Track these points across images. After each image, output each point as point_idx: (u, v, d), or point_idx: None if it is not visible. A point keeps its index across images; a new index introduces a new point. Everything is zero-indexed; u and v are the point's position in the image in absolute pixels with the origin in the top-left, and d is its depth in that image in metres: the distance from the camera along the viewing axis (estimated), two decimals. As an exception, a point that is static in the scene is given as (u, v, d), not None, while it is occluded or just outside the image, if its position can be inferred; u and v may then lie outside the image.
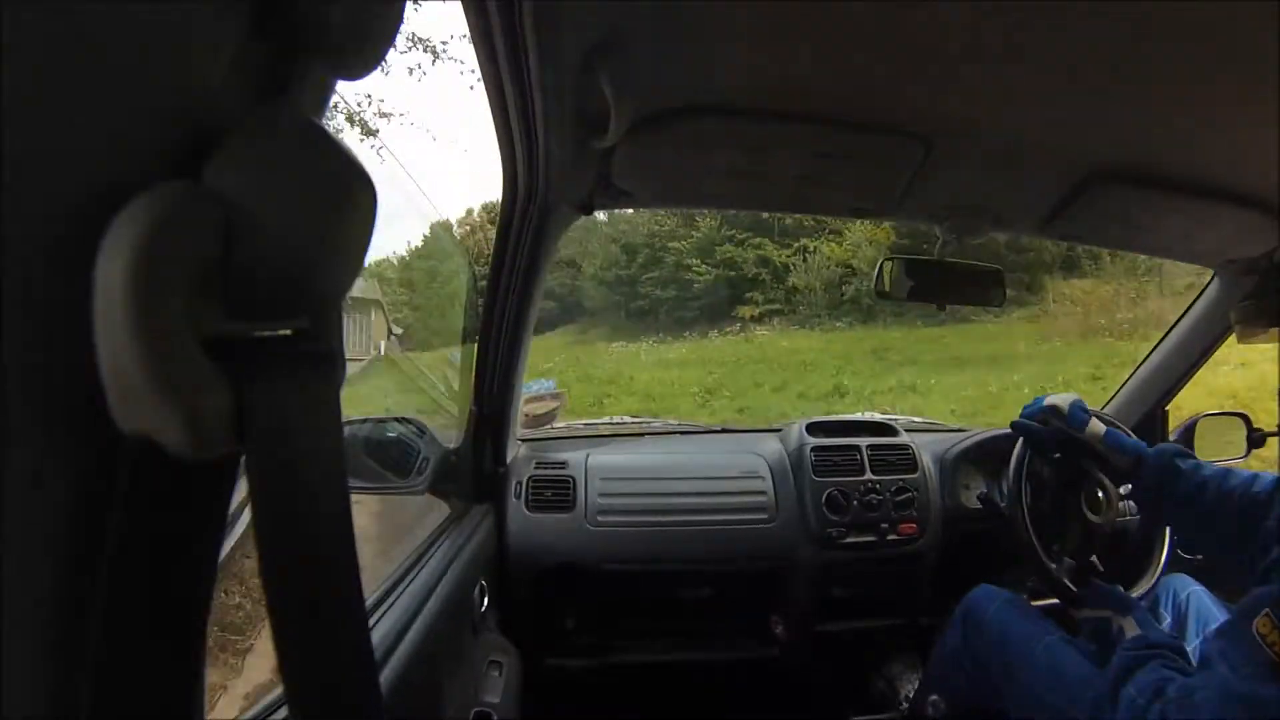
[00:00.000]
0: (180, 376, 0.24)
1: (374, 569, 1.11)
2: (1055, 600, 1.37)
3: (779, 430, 1.78)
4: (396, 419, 1.49)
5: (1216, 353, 1.68)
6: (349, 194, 0.29)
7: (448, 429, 1.54)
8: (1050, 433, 1.33)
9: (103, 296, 0.23)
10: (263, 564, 0.27)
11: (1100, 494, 1.37)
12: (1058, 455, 1.40)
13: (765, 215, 11.95)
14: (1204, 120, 0.91)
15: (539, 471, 1.55)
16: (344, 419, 0.31)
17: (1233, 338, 1.56)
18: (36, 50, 0.22)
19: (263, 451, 0.27)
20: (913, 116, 0.94)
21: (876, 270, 1.38)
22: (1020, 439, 1.40)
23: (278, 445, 0.27)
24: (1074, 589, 1.31)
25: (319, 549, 0.29)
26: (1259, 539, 0.99)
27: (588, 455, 1.61)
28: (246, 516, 0.29)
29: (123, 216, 0.23)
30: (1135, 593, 1.34)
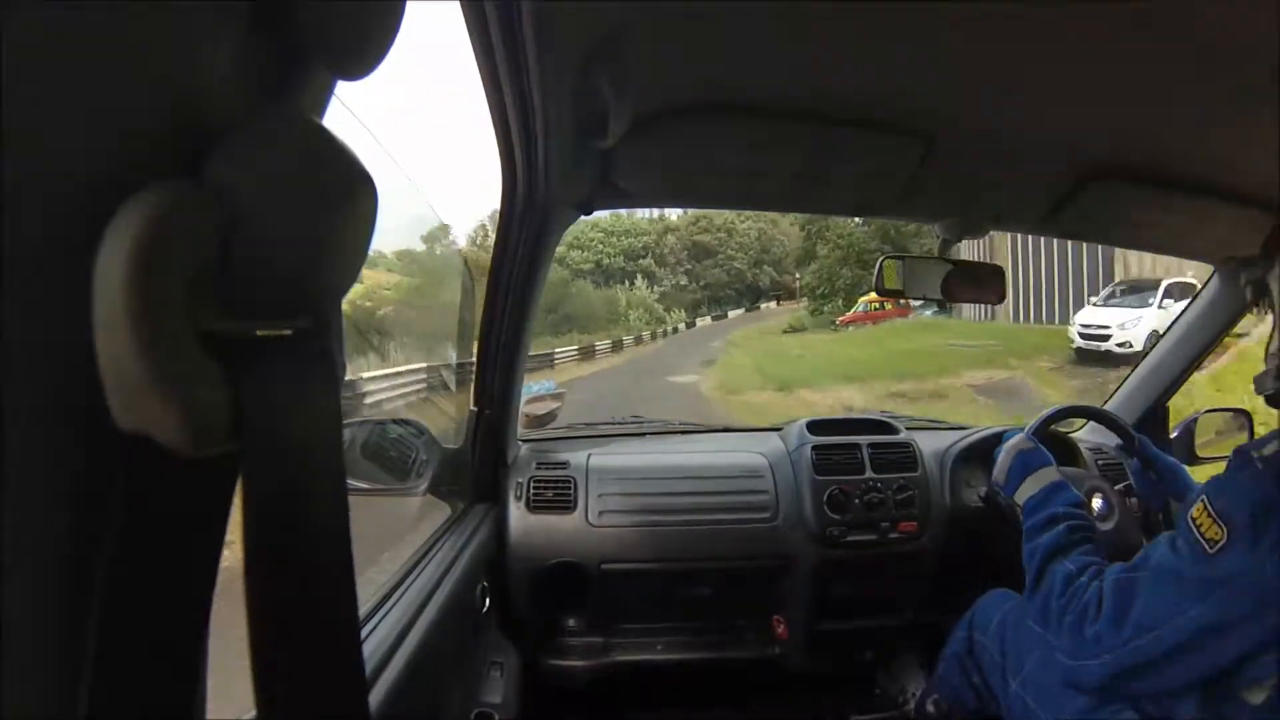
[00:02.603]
0: (178, 373, 0.24)
1: (376, 568, 1.11)
2: None
3: (780, 429, 1.78)
4: (396, 420, 1.49)
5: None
6: (349, 193, 0.29)
7: (447, 429, 1.54)
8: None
9: (101, 294, 0.23)
10: (248, 564, 0.27)
11: (1101, 502, 1.37)
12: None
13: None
14: (1203, 118, 0.91)
15: (540, 472, 1.55)
16: (344, 420, 0.30)
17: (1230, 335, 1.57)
18: (37, 49, 0.22)
19: (258, 449, 0.27)
20: (912, 115, 0.94)
21: (877, 269, 1.38)
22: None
23: (273, 443, 0.27)
24: None
25: (313, 552, 0.29)
26: None
27: (589, 455, 1.61)
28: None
29: (122, 214, 0.23)
30: None
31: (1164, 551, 0.90)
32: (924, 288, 1.39)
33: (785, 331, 26.49)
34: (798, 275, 37.29)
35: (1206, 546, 0.84)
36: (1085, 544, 1.07)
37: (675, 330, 33.52)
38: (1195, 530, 0.86)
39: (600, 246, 40.64)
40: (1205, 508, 0.86)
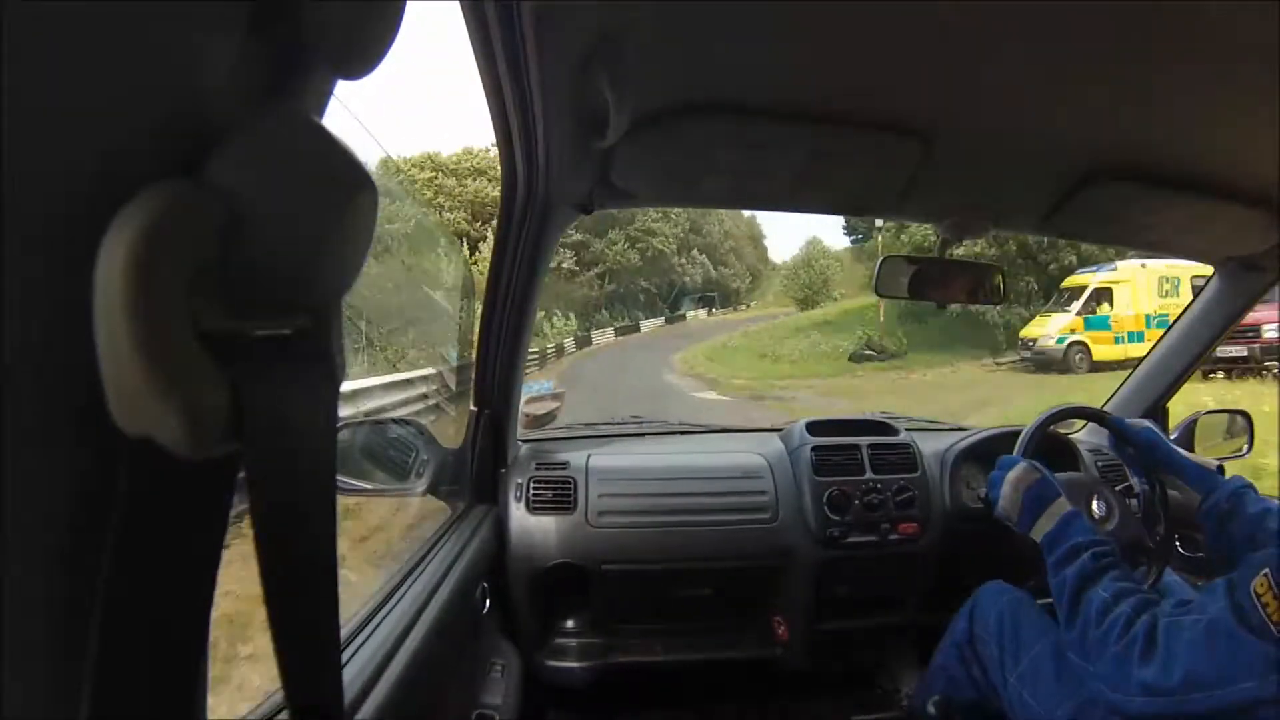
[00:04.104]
0: (179, 375, 0.24)
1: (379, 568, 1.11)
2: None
3: (780, 430, 1.78)
4: (396, 420, 1.50)
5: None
6: (350, 194, 0.29)
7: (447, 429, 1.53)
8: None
9: (102, 295, 0.23)
10: (261, 561, 0.27)
11: (1100, 504, 1.37)
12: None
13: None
14: (1203, 117, 0.91)
15: (540, 472, 1.55)
16: (344, 420, 0.31)
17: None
18: (37, 50, 0.22)
19: (260, 451, 0.27)
20: (912, 115, 0.94)
21: (876, 268, 1.38)
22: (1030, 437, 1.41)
23: (274, 444, 0.27)
24: None
25: (308, 549, 0.29)
26: None
27: (588, 456, 1.61)
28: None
29: (122, 216, 0.23)
30: None
31: (1223, 608, 0.89)
32: (922, 288, 1.39)
33: (857, 357, 15.01)
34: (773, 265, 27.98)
35: (1274, 629, 0.83)
36: (1113, 569, 1.05)
37: (560, 350, 19.80)
38: (1259, 605, 0.85)
39: (428, 194, 22.84)
40: (1270, 586, 0.85)
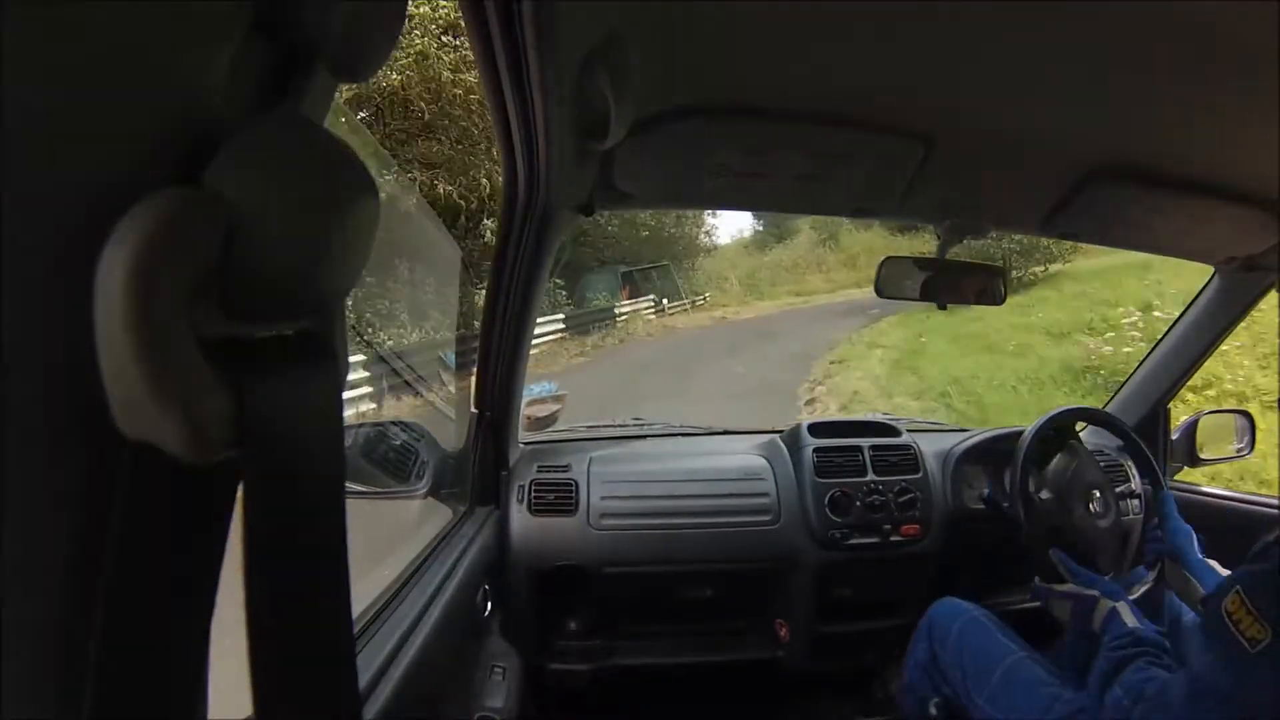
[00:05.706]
0: (180, 380, 0.24)
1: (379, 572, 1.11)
2: (1031, 603, 1.38)
3: (781, 432, 1.78)
4: (397, 423, 1.49)
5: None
6: (351, 197, 0.29)
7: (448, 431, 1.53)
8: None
9: (103, 302, 0.23)
10: (248, 567, 0.26)
11: (1100, 498, 1.37)
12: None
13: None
14: (1203, 118, 0.91)
15: (541, 475, 1.55)
16: (345, 423, 0.30)
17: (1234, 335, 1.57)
18: (37, 54, 0.22)
19: (261, 453, 0.26)
20: (913, 116, 0.94)
21: (878, 269, 1.38)
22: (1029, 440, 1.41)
23: (276, 447, 0.27)
24: None
25: (312, 555, 0.28)
26: None
27: (590, 458, 1.61)
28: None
29: (123, 224, 0.23)
30: (1133, 595, 1.34)
31: (1198, 670, 0.89)
32: (923, 289, 1.39)
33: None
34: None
35: (1248, 646, 0.83)
36: (1135, 660, 1.04)
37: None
38: (1233, 626, 0.84)
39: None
40: (1243, 603, 0.84)
